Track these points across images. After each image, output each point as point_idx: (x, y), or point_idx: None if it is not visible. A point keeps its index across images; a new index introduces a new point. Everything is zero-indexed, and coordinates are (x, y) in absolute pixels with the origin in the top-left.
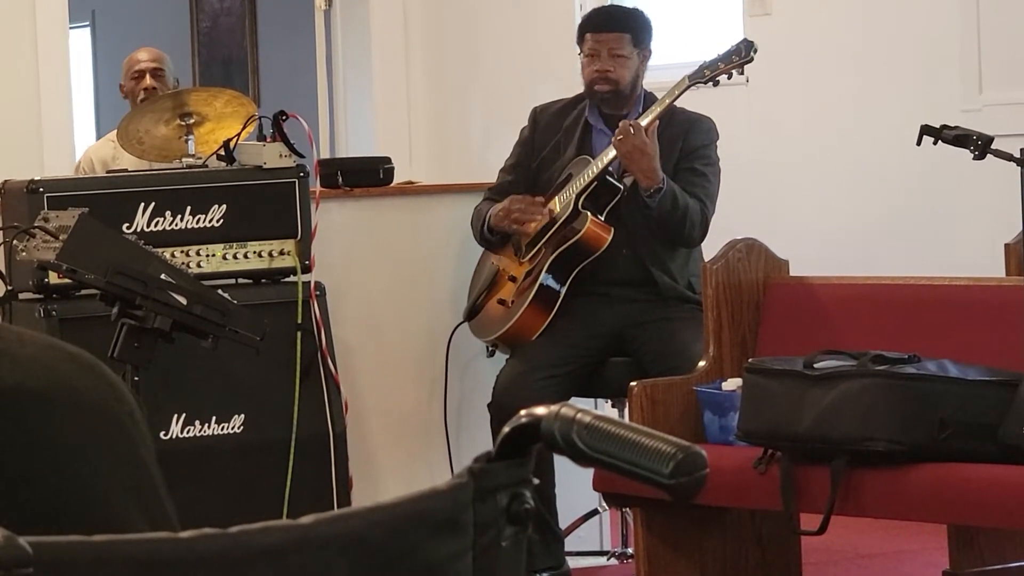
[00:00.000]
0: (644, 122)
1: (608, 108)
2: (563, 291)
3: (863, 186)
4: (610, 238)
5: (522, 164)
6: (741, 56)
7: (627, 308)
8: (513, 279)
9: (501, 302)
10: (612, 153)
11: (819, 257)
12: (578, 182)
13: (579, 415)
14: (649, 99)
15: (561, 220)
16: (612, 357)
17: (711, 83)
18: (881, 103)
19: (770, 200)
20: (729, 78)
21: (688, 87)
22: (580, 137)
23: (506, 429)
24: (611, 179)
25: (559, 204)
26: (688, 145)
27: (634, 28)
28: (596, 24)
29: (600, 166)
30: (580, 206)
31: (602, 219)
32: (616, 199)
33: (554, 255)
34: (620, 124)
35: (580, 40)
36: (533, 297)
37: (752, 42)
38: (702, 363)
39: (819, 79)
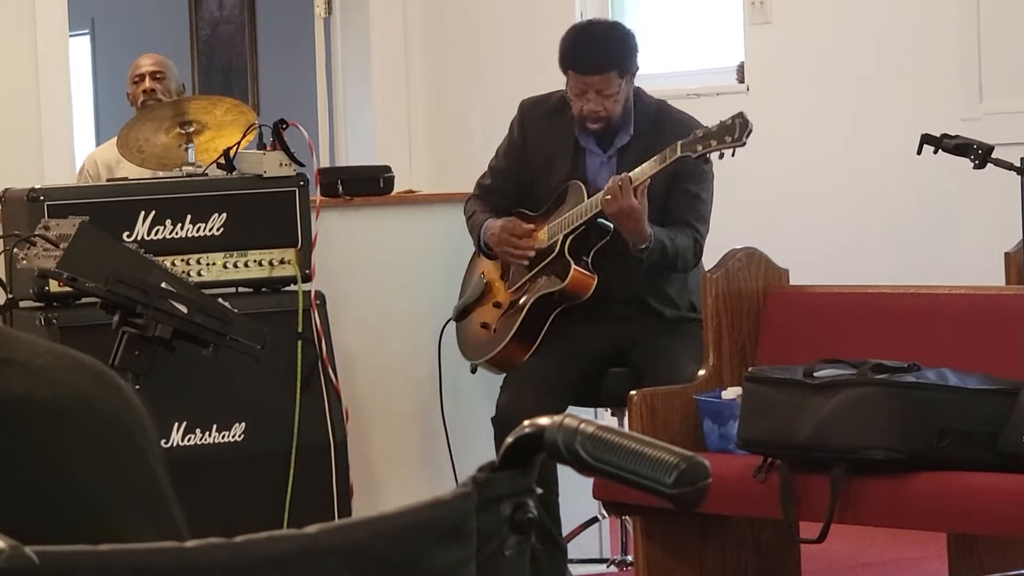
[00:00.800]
0: (635, 173)
1: (600, 133)
2: (545, 328)
3: (863, 195)
4: (594, 284)
5: (512, 171)
6: (734, 137)
7: (624, 327)
8: (498, 305)
9: (484, 326)
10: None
11: (819, 266)
12: (567, 220)
13: (582, 425)
14: (639, 96)
15: (547, 260)
16: (611, 368)
17: (702, 159)
18: (881, 112)
19: (770, 209)
20: (720, 157)
21: (678, 157)
22: (572, 158)
23: (509, 439)
24: (601, 220)
25: (548, 236)
26: (682, 163)
27: (619, 63)
28: (580, 66)
29: (590, 210)
30: (568, 248)
31: (588, 259)
32: (605, 239)
33: (536, 297)
34: (609, 181)
35: (563, 70)
36: (515, 333)
37: (748, 121)
38: (701, 372)
39: (819, 87)
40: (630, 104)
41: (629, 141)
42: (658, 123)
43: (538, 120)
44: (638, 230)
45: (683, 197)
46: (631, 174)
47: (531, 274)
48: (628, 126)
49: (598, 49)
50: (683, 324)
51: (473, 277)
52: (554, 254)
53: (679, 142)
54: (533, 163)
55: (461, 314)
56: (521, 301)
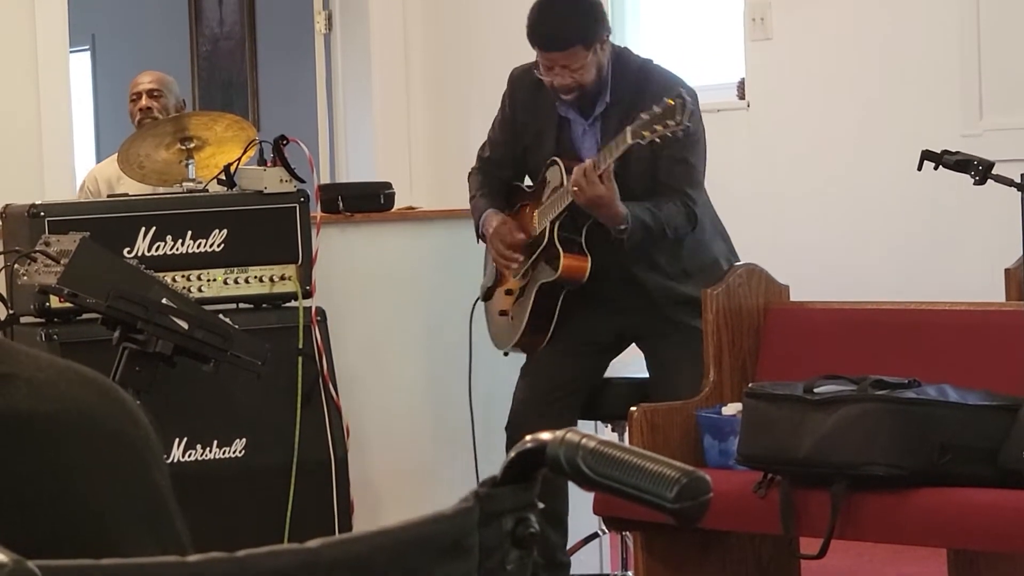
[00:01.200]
0: (598, 159)
1: (578, 102)
2: (556, 312)
3: (863, 211)
4: (589, 265)
5: (507, 142)
6: (676, 121)
7: (624, 319)
8: (510, 292)
9: (503, 313)
10: None
11: (819, 282)
12: (549, 207)
13: (584, 440)
14: (622, 58)
15: (541, 248)
16: (621, 349)
17: (650, 144)
18: (881, 127)
19: (770, 225)
20: (672, 136)
21: (631, 145)
22: (557, 128)
23: (512, 454)
24: None
25: (538, 221)
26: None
27: (582, 37)
28: (542, 43)
29: (567, 197)
30: (557, 234)
31: (581, 239)
32: (592, 218)
33: (537, 286)
34: (574, 172)
35: (531, 45)
36: (528, 321)
37: (686, 100)
38: (702, 388)
39: (820, 103)
40: (606, 70)
41: (607, 107)
42: (639, 86)
43: (524, 91)
44: (612, 215)
45: (671, 164)
46: (594, 160)
47: (531, 262)
48: (605, 92)
49: (560, 25)
50: (680, 322)
51: (489, 259)
52: (545, 243)
53: (628, 128)
54: (523, 134)
55: (487, 294)
56: (526, 289)
